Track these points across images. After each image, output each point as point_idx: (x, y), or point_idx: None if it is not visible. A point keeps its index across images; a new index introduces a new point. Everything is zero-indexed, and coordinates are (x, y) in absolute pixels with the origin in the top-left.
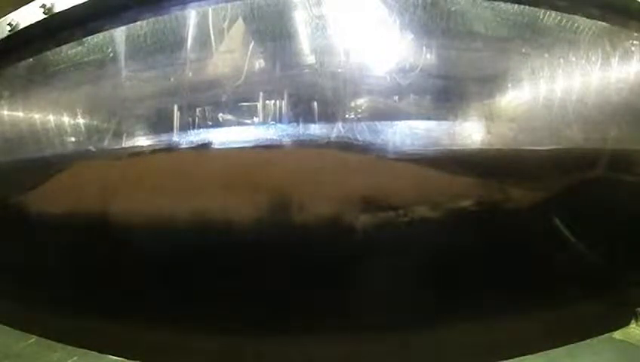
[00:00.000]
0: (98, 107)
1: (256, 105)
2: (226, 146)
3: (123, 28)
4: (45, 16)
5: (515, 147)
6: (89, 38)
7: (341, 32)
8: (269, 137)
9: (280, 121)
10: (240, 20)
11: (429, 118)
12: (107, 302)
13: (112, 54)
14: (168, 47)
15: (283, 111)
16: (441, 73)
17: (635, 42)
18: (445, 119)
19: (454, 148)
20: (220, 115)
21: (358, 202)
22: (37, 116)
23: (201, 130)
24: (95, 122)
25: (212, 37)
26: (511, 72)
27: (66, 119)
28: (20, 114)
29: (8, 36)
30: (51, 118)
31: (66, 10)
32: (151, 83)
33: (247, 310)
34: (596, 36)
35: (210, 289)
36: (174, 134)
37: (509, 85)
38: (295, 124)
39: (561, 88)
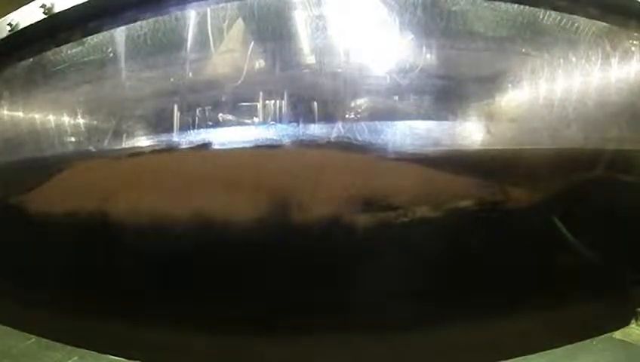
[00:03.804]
0: (98, 107)
1: (256, 106)
2: (226, 146)
3: (123, 28)
4: (45, 16)
5: (515, 147)
6: (89, 38)
7: (341, 32)
8: (269, 137)
9: (280, 121)
10: (240, 20)
11: (429, 118)
12: (107, 302)
13: (112, 54)
14: (168, 47)
15: (283, 111)
16: (442, 73)
17: (635, 42)
18: (445, 119)
19: (454, 148)
20: (220, 115)
21: (359, 202)
22: (37, 116)
23: (201, 130)
24: (95, 122)
25: (212, 37)
26: (511, 72)
27: (66, 119)
28: (20, 114)
29: (8, 36)
30: (51, 118)
31: (66, 10)
32: (151, 83)
33: (248, 310)
34: (596, 36)
35: (210, 289)
36: (174, 134)
37: (509, 85)
38: (295, 124)
39: (561, 88)
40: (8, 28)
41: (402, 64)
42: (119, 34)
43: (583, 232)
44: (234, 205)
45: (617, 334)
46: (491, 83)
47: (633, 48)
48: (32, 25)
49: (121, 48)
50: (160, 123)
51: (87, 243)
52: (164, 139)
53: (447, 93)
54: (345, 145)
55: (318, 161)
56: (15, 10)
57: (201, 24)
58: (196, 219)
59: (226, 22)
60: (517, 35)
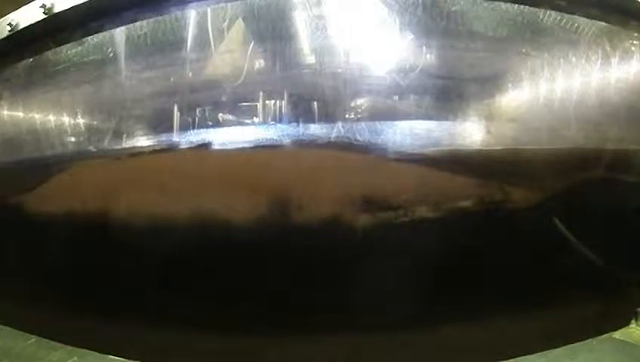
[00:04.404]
0: (98, 107)
1: (256, 106)
2: (226, 146)
3: (123, 28)
4: (45, 16)
5: (515, 147)
6: (89, 38)
7: (341, 32)
8: (269, 137)
9: (280, 121)
10: (240, 20)
11: (429, 118)
12: (107, 302)
13: (112, 54)
14: (168, 47)
15: (283, 111)
16: (442, 73)
17: (635, 42)
18: (445, 119)
19: (454, 148)
20: (220, 115)
21: (359, 202)
22: (37, 116)
23: (201, 130)
24: (95, 122)
25: (212, 37)
26: (511, 72)
27: (66, 119)
28: (20, 114)
29: (8, 36)
30: (51, 118)
31: (66, 10)
32: (151, 83)
33: (247, 310)
34: (596, 36)
35: (210, 289)
36: (174, 134)
37: (509, 85)
38: (295, 124)
39: (561, 88)
40: (8, 28)
41: (402, 64)
42: (119, 34)
43: (583, 232)
44: (234, 205)
45: (617, 334)
46: (491, 83)
47: (633, 48)
48: (32, 25)
49: (121, 48)
50: (160, 123)
51: (87, 244)
52: (164, 139)
53: (447, 93)
54: (345, 146)
55: (318, 161)
56: (15, 10)
57: (201, 24)
58: (196, 219)
59: (226, 22)
60: (517, 35)
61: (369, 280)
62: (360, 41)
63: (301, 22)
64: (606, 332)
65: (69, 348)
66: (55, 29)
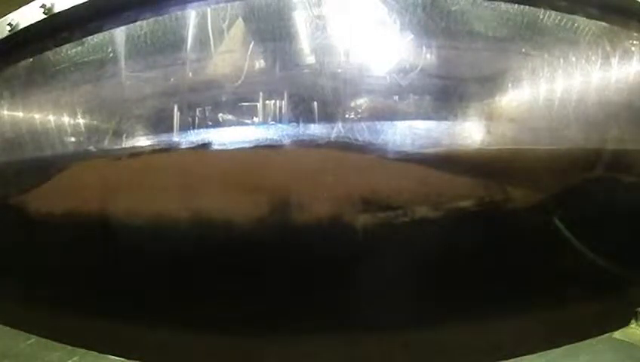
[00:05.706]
0: (98, 107)
1: (256, 106)
2: (226, 146)
3: (123, 28)
4: (45, 16)
5: (515, 147)
6: (89, 38)
7: (341, 32)
8: (269, 137)
9: (280, 121)
10: (240, 20)
11: (429, 118)
12: (107, 302)
13: (112, 54)
14: (168, 48)
15: (283, 111)
16: (441, 73)
17: (635, 42)
18: (445, 119)
19: (454, 148)
20: (220, 115)
21: (358, 202)
22: (37, 116)
23: (201, 130)
24: (95, 122)
25: (212, 37)
26: (511, 72)
27: (66, 119)
28: (20, 114)
29: (8, 36)
30: (51, 118)
31: (66, 10)
32: (151, 83)
33: (247, 310)
34: (596, 36)
35: (210, 289)
36: (174, 134)
37: (509, 85)
38: (295, 124)
39: (561, 88)
40: (8, 28)
41: (402, 64)
42: (119, 34)
43: (583, 232)
44: (234, 205)
45: (617, 334)
46: (491, 83)
47: (633, 48)
48: (32, 25)
49: (121, 48)
50: (160, 123)
51: (87, 243)
52: (164, 139)
53: (446, 93)
54: (345, 145)
55: (318, 161)
56: (15, 10)
57: (202, 24)
58: (196, 219)
59: (226, 22)
60: (517, 35)
61: (369, 280)
62: (360, 41)
63: (301, 22)
64: (606, 332)
65: (69, 348)
66: (55, 29)
